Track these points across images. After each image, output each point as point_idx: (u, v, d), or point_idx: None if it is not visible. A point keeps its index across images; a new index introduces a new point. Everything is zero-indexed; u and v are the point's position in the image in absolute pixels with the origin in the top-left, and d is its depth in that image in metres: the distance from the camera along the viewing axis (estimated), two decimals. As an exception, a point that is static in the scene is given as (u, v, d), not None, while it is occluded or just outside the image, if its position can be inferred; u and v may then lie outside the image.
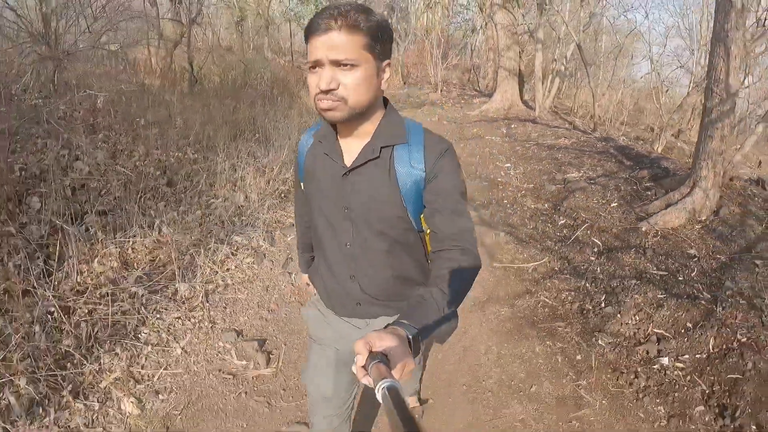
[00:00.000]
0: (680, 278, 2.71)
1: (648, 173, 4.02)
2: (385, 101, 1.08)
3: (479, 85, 11.12)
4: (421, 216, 1.09)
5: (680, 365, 2.19)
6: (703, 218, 3.22)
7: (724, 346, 2.28)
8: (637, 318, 2.44)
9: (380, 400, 0.59)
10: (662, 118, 6.28)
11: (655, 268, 2.78)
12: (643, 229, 3.19)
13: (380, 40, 0.97)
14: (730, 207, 3.31)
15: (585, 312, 2.49)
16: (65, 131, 3.73)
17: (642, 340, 2.32)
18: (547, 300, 2.59)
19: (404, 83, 11.34)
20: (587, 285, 2.68)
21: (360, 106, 0.99)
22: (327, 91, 0.95)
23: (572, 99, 9.26)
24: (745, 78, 5.70)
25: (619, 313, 2.45)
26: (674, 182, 3.56)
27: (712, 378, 2.11)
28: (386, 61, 1.00)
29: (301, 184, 1.23)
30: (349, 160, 1.08)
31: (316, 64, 0.96)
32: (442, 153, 1.05)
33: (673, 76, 9.49)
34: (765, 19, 4.46)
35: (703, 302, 2.51)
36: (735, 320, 2.40)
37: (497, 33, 7.90)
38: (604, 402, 1.97)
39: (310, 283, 1.33)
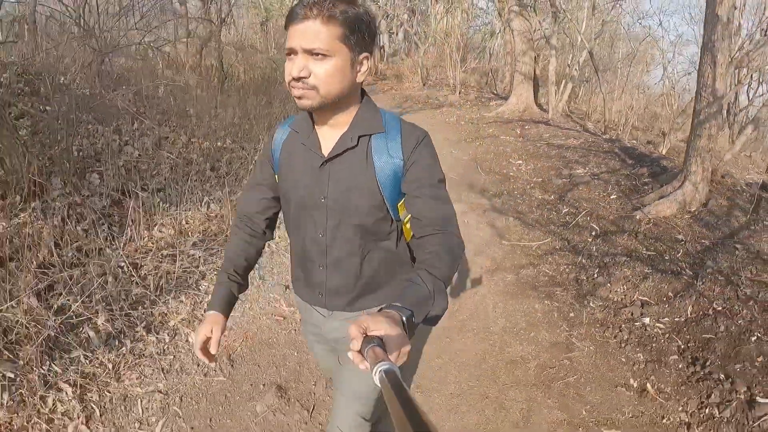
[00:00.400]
0: (666, 258, 3.10)
1: (647, 170, 4.40)
2: (363, 93, 1.11)
3: (496, 89, 11.49)
4: (399, 204, 1.10)
5: (660, 325, 2.58)
6: (693, 209, 3.59)
7: (701, 313, 2.67)
8: (625, 287, 2.84)
9: (377, 384, 0.59)
10: (672, 123, 6.62)
11: (644, 249, 3.17)
12: (637, 217, 3.58)
13: (357, 31, 0.98)
14: (718, 200, 3.68)
15: (579, 281, 2.90)
16: (113, 119, 4.24)
17: (627, 304, 2.72)
18: (547, 271, 3.00)
19: (423, 85, 11.73)
20: (583, 260, 3.08)
21: (331, 96, 1.01)
22: (298, 79, 0.97)
23: (587, 103, 9.61)
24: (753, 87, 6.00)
25: (609, 282, 2.85)
26: (669, 177, 3.93)
27: (688, 337, 2.50)
28: (364, 54, 1.01)
29: (276, 176, 1.22)
30: (326, 149, 1.09)
31: (291, 52, 0.98)
32: (419, 141, 1.08)
33: (685, 81, 9.77)
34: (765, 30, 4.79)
35: (685, 277, 2.89)
36: (713, 293, 2.78)
37: (514, 39, 8.29)
38: (591, 348, 2.37)
39: (213, 332, 1.14)
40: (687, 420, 1.97)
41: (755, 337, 2.36)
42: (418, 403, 0.49)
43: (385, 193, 1.07)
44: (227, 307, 1.21)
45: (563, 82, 7.60)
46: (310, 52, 0.96)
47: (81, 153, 3.63)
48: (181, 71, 6.86)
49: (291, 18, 0.98)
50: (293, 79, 0.98)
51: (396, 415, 0.51)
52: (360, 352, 0.67)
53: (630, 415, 1.98)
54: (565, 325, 2.51)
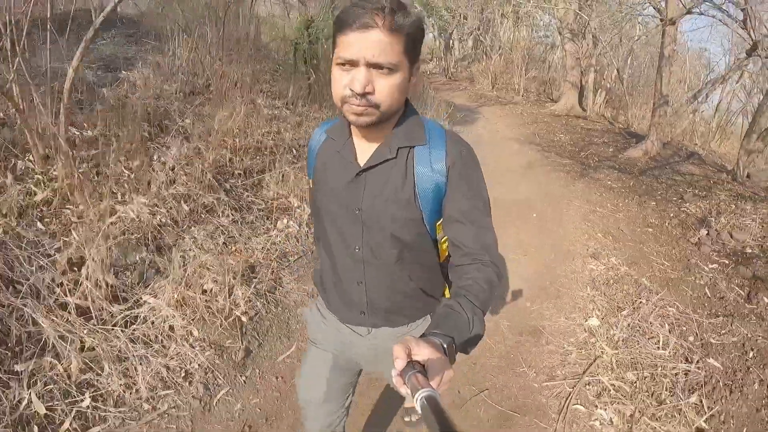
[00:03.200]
0: (629, 173, 6.42)
1: (635, 140, 7.67)
2: (406, 101, 1.04)
3: (552, 95, 14.73)
4: (438, 224, 1.06)
5: (615, 185, 5.93)
6: (651, 155, 6.87)
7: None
8: (606, 177, 6.20)
9: (419, 410, 0.59)
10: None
11: (618, 167, 6.51)
12: (619, 157, 6.90)
13: (417, 42, 0.93)
14: (665, 151, 6.94)
15: (584, 173, 6.28)
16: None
17: (601, 177, 6.08)
18: (565, 165, 6.40)
19: (492, 87, 15.08)
20: (587, 168, 6.45)
21: (390, 113, 0.96)
22: (362, 95, 0.90)
23: (619, 107, 12.71)
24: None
25: (597, 174, 6.22)
26: (640, 140, 7.23)
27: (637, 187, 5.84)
28: (417, 65, 0.96)
29: (311, 181, 1.18)
30: (363, 159, 1.05)
31: (350, 63, 0.89)
32: (464, 156, 1.03)
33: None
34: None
35: (633, 179, 6.19)
36: (644, 185, 6.08)
37: (566, 56, 11.55)
38: (582, 187, 5.76)
39: None
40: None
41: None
42: (460, 430, 0.50)
43: (425, 209, 1.03)
44: None
45: (599, 90, 10.81)
46: (377, 66, 0.88)
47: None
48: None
49: (349, 23, 0.87)
50: (354, 94, 0.90)
51: None
52: (401, 375, 0.67)
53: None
54: (566, 176, 5.91)
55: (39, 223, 2.50)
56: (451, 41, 18.34)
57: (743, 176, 5.73)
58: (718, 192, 5.29)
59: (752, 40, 5.45)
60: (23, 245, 2.27)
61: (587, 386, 2.46)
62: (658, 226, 4.51)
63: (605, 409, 2.30)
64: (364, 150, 1.06)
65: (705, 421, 2.21)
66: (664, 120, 6.81)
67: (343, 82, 0.91)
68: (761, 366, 2.54)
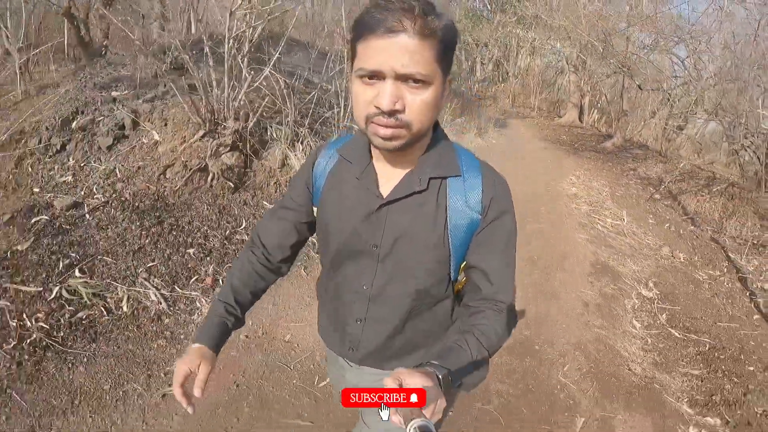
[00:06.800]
0: (602, 157, 10.61)
1: (612, 138, 11.90)
2: (435, 123, 0.93)
3: (559, 112, 18.98)
4: (462, 266, 1.00)
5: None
6: (617, 146, 11.07)
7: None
8: (585, 163, 10.40)
9: None
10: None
11: (594, 152, 10.71)
12: (597, 147, 11.10)
13: (450, 49, 0.82)
14: (630, 143, 11.16)
15: (576, 149, 10.50)
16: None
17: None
18: (553, 140, 10.60)
19: (512, 105, 19.33)
20: (576, 151, 10.66)
21: (421, 134, 0.86)
22: (392, 113, 0.79)
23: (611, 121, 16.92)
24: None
25: (579, 159, 10.43)
26: (610, 138, 11.47)
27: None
28: (449, 76, 0.86)
29: (314, 209, 1.07)
30: (385, 188, 0.95)
31: (375, 75, 0.79)
32: (501, 191, 0.96)
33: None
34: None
35: (602, 159, 10.37)
36: (610, 162, 10.29)
37: (570, 83, 15.83)
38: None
39: (197, 367, 0.93)
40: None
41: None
42: None
43: (454, 250, 0.95)
44: (219, 342, 1.01)
45: (592, 109, 15.09)
46: (408, 78, 0.77)
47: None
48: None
49: (371, 27, 0.76)
50: (381, 112, 0.79)
51: None
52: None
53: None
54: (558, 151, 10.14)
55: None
56: (473, 65, 21.87)
57: (665, 152, 9.91)
58: (649, 160, 9.49)
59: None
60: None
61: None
62: (612, 177, 8.68)
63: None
64: (387, 177, 0.95)
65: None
66: (624, 125, 11.01)
67: (367, 98, 0.81)
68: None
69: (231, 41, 3.51)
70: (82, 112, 4.67)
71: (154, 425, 2.28)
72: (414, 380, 0.67)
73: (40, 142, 4.44)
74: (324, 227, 1.04)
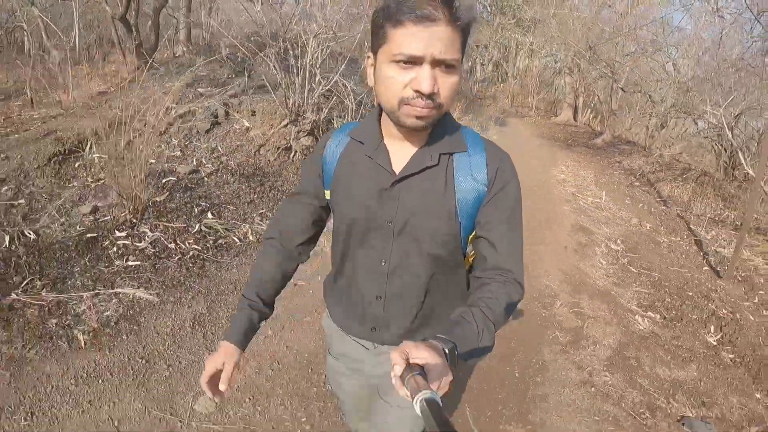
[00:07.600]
0: (592, 151, 11.97)
1: (602, 135, 13.26)
2: None
3: (555, 112, 20.30)
4: (470, 237, 1.04)
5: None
6: (606, 142, 12.42)
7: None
8: (574, 157, 11.74)
9: (419, 413, 0.59)
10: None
11: (586, 148, 12.06)
12: (588, 143, 12.45)
13: (468, 37, 0.88)
14: (616, 139, 12.52)
15: (570, 143, 11.84)
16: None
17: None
18: (550, 136, 11.94)
19: (511, 105, 20.60)
20: (567, 146, 12.00)
21: (444, 113, 0.93)
22: (429, 96, 0.85)
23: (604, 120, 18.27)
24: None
25: (570, 152, 11.78)
26: (600, 134, 12.82)
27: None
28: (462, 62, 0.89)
29: (326, 192, 1.11)
30: (397, 165, 1.00)
31: (412, 60, 0.84)
32: (505, 164, 1.00)
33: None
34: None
35: (592, 152, 11.71)
36: (611, 159, 11.64)
37: (566, 84, 17.17)
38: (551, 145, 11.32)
39: (223, 363, 1.02)
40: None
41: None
42: None
43: (463, 222, 1.00)
44: (244, 338, 1.08)
45: (586, 109, 16.46)
46: (441, 63, 0.84)
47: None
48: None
49: (406, 13, 0.81)
50: (420, 95, 0.85)
51: None
52: (401, 378, 0.67)
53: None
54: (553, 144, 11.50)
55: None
56: (473, 65, 22.91)
57: (650, 149, 11.28)
58: (634, 154, 10.85)
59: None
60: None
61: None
62: (599, 168, 10.02)
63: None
64: (399, 155, 1.01)
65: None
66: (614, 123, 12.37)
67: (404, 81, 0.86)
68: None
69: (311, 55, 4.83)
70: (177, 103, 5.98)
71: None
72: (420, 353, 0.69)
73: (145, 125, 5.74)
74: (338, 207, 1.08)
